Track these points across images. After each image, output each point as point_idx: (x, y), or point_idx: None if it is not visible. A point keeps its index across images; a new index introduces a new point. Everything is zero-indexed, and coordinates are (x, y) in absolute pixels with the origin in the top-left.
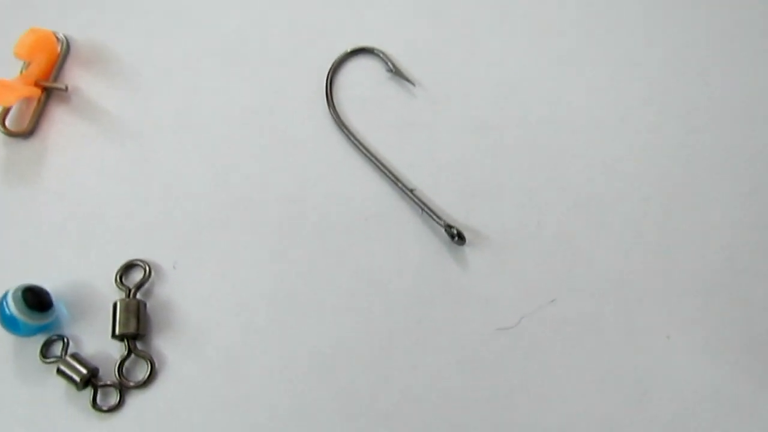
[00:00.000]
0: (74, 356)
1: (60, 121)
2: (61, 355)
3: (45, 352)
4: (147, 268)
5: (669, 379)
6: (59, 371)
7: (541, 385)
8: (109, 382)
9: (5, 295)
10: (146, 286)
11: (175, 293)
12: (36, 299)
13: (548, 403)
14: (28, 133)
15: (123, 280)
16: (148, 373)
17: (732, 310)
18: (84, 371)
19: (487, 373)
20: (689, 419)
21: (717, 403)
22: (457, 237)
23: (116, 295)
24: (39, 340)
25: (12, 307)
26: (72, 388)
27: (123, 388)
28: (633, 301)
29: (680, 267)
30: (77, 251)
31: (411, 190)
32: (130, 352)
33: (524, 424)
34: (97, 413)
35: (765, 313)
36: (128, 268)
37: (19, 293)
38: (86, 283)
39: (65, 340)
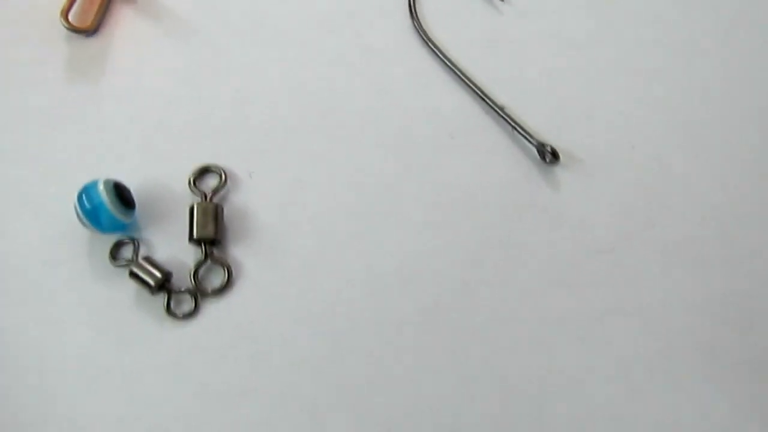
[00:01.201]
0: (147, 259)
1: (125, 19)
2: (133, 258)
3: (115, 254)
4: (222, 174)
5: None
6: (132, 274)
7: (635, 310)
8: (183, 288)
9: (94, 184)
10: (221, 192)
11: (252, 201)
12: (123, 193)
13: (643, 327)
14: (91, 30)
15: (197, 184)
16: (225, 280)
17: None
18: (158, 275)
19: (578, 294)
20: None
21: None
22: (551, 156)
23: (189, 200)
24: (108, 241)
25: (103, 195)
26: (144, 293)
27: (198, 295)
28: (731, 227)
29: None
30: (146, 154)
31: (501, 108)
32: (206, 257)
33: (615, 346)
34: (171, 319)
35: None
36: (202, 173)
37: (110, 183)
38: (157, 187)
39: (136, 242)
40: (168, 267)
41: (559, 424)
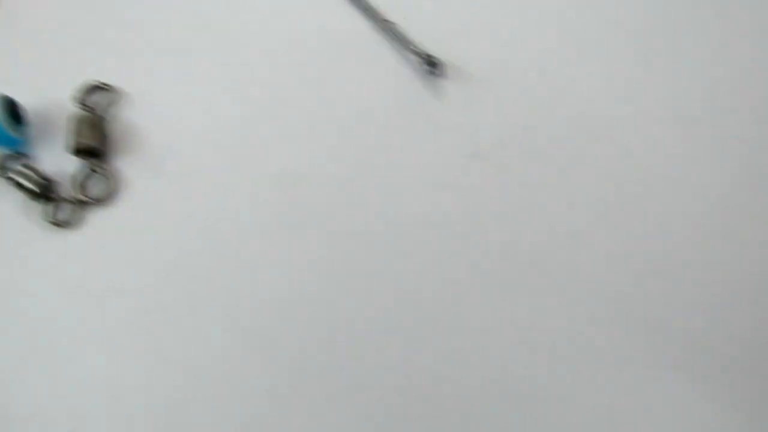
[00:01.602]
0: (29, 167)
1: None
2: (16, 167)
3: (3, 164)
4: (110, 90)
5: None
6: (14, 181)
7: (514, 209)
8: (68, 197)
9: None
10: (110, 109)
11: (141, 117)
12: (15, 109)
13: (521, 225)
14: None
15: (87, 101)
16: (108, 189)
17: None
18: (40, 179)
19: (457, 196)
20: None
21: None
22: (435, 67)
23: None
24: None
25: None
26: (30, 202)
27: (81, 203)
28: (606, 130)
29: (658, 94)
30: (34, 72)
31: (389, 23)
32: (89, 167)
33: (494, 243)
34: (55, 227)
35: None
36: (90, 90)
37: (2, 99)
38: (49, 105)
39: (23, 155)
40: (54, 178)
41: (428, 312)
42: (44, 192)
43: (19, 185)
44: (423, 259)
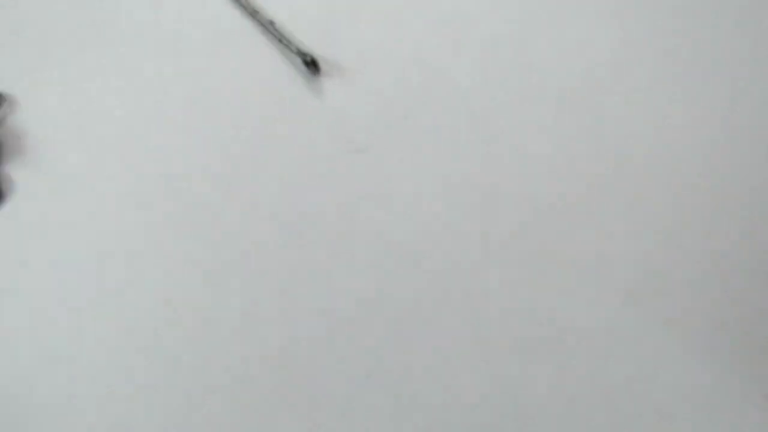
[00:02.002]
0: None
1: None
2: None
3: None
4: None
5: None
6: None
7: (393, 202)
8: None
9: None
10: None
11: (28, 122)
12: None
13: (398, 214)
14: None
15: None
16: None
17: None
18: None
19: (341, 190)
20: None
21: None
22: (311, 64)
23: None
24: None
25: None
26: None
27: None
28: (482, 110)
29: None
30: None
31: (269, 22)
32: None
33: (379, 234)
34: None
35: None
36: None
37: None
38: None
39: None
40: None
41: (307, 309)
42: None
43: None
44: (309, 256)
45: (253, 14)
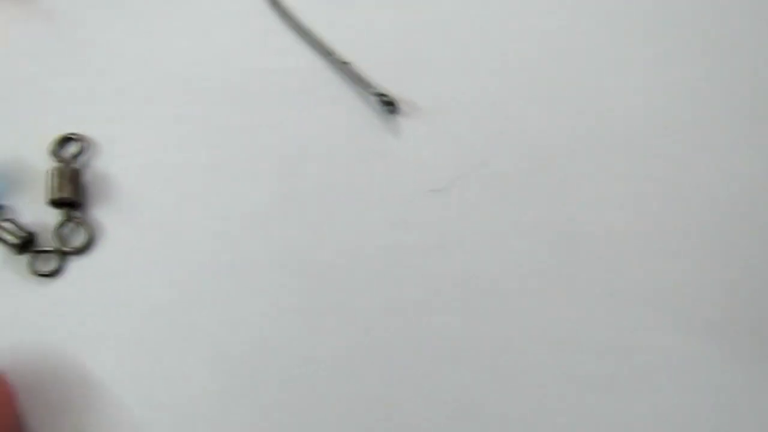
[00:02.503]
0: (10, 221)
1: None
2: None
3: None
4: (82, 141)
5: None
6: None
7: (474, 241)
8: (47, 248)
9: None
10: (82, 158)
11: (112, 166)
12: None
13: (479, 259)
14: None
15: (58, 152)
16: (86, 239)
17: None
18: (22, 233)
19: (421, 231)
20: None
21: None
22: (390, 105)
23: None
24: None
25: None
26: (10, 254)
27: (62, 254)
28: (561, 162)
29: (608, 127)
30: (5, 127)
31: (344, 63)
32: (67, 217)
33: (456, 277)
34: (37, 278)
35: None
36: (63, 141)
37: None
38: (19, 158)
39: (2, 208)
40: (32, 229)
41: (393, 347)
42: (26, 245)
43: (2, 240)
44: (388, 296)
45: (328, 55)
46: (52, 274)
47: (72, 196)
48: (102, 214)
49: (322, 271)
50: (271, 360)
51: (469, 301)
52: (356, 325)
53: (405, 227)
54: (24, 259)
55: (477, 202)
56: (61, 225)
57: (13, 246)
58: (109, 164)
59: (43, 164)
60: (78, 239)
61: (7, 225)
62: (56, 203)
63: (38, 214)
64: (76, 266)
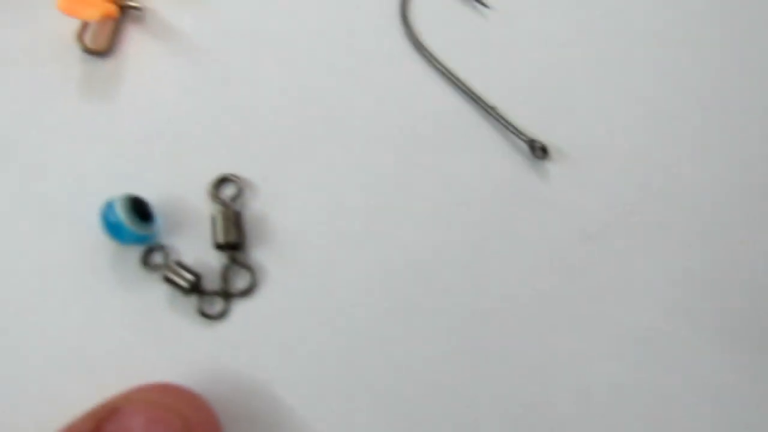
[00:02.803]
0: (179, 263)
1: (135, 40)
2: (165, 262)
3: (146, 260)
4: (239, 182)
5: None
6: (166, 278)
7: (625, 287)
8: (213, 290)
9: (111, 203)
10: (239, 199)
11: (268, 207)
12: (140, 208)
13: (632, 302)
14: (105, 51)
15: (216, 193)
16: (250, 282)
17: None
18: (191, 277)
19: (574, 277)
20: None
21: None
22: (541, 151)
23: (209, 208)
24: (135, 250)
25: (120, 214)
26: (176, 295)
27: (227, 296)
28: (710, 209)
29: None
30: (164, 167)
31: (492, 108)
32: (232, 261)
33: (611, 323)
34: (204, 320)
35: None
36: (220, 182)
37: (126, 200)
38: (178, 197)
39: (165, 249)
40: (198, 271)
41: (559, 402)
42: (194, 287)
43: (170, 281)
44: (540, 340)
45: (474, 98)
46: (219, 317)
47: (237, 240)
48: (262, 255)
49: (481, 316)
50: (438, 402)
51: (624, 348)
52: (517, 370)
53: (557, 273)
54: (189, 300)
55: (626, 249)
56: (227, 268)
57: (180, 288)
58: (265, 206)
59: (202, 203)
60: (240, 281)
61: (177, 268)
62: (220, 246)
63: (200, 254)
64: (240, 309)
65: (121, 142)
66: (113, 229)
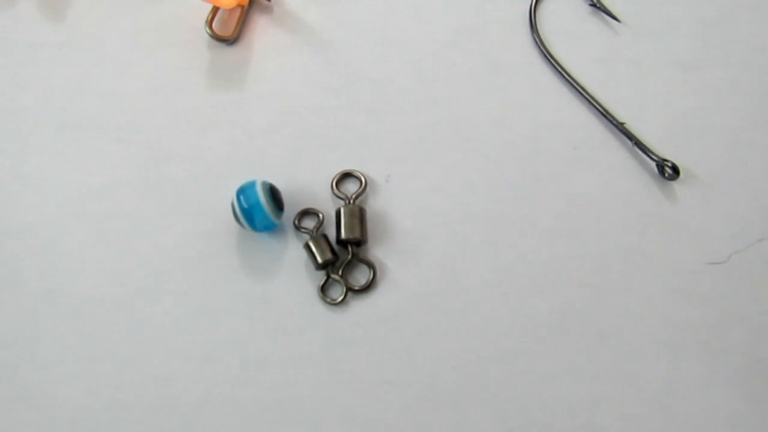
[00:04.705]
0: (326, 238)
1: (263, 30)
2: (314, 231)
3: (299, 222)
4: (362, 179)
5: None
6: (307, 243)
7: (753, 317)
8: (337, 278)
9: (253, 183)
10: (361, 196)
11: (389, 205)
12: (276, 195)
13: (756, 332)
14: (232, 39)
15: (339, 188)
16: (370, 277)
17: None
18: (329, 255)
19: (698, 304)
20: None
21: None
22: (671, 171)
23: (330, 202)
24: (258, 238)
25: (260, 195)
26: (309, 266)
27: (347, 288)
28: None
29: None
30: (289, 157)
31: (621, 124)
32: (353, 256)
33: (735, 351)
34: (323, 303)
35: None
36: (343, 177)
37: (267, 185)
38: (301, 189)
39: (321, 216)
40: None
41: (683, 426)
42: (325, 266)
43: (310, 250)
44: (666, 365)
45: (603, 113)
46: (339, 304)
47: (360, 236)
48: (381, 253)
49: (600, 335)
50: (545, 414)
51: (752, 378)
52: (628, 394)
53: (684, 299)
54: (312, 291)
55: (756, 277)
56: (348, 262)
57: (315, 261)
58: (387, 204)
59: (324, 198)
60: (360, 277)
61: (320, 239)
62: (342, 241)
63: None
64: (358, 304)
65: (245, 130)
66: (248, 211)
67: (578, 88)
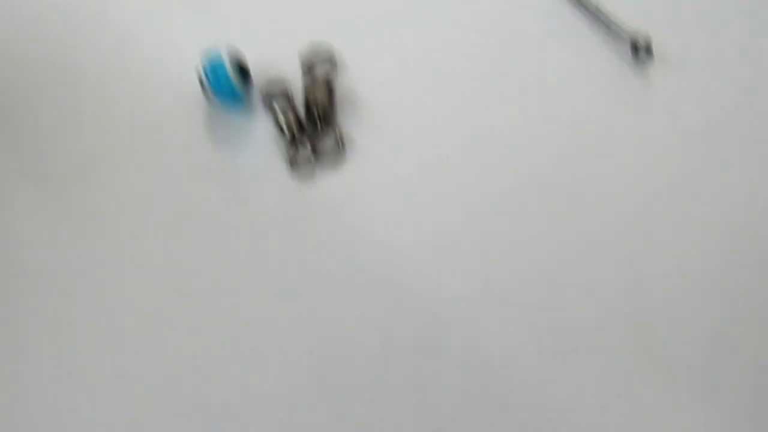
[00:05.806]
0: (292, 108)
1: None
2: (281, 103)
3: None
4: (331, 54)
5: None
6: (273, 111)
7: (725, 194)
8: (305, 150)
9: (218, 48)
10: (331, 72)
11: (359, 82)
12: (241, 67)
13: (735, 209)
14: None
15: (307, 63)
16: (338, 146)
17: None
18: (296, 127)
19: (671, 182)
20: None
21: None
22: (644, 50)
23: (299, 77)
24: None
25: (223, 56)
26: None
27: (315, 156)
28: None
29: None
30: (259, 32)
31: (595, 6)
32: (321, 129)
33: (713, 225)
34: (292, 176)
35: None
36: (312, 51)
37: (232, 50)
38: (269, 64)
39: (288, 89)
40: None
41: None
42: (293, 138)
43: (278, 123)
44: (638, 234)
45: (578, 1)
46: (303, 167)
47: (327, 103)
48: (351, 128)
49: (569, 211)
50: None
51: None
52: (611, 262)
53: (654, 178)
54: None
55: (726, 156)
56: (317, 137)
57: (280, 129)
58: (356, 80)
59: (294, 73)
60: (328, 149)
61: (286, 109)
62: (309, 112)
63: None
64: (327, 176)
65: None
66: (212, 71)
67: None
